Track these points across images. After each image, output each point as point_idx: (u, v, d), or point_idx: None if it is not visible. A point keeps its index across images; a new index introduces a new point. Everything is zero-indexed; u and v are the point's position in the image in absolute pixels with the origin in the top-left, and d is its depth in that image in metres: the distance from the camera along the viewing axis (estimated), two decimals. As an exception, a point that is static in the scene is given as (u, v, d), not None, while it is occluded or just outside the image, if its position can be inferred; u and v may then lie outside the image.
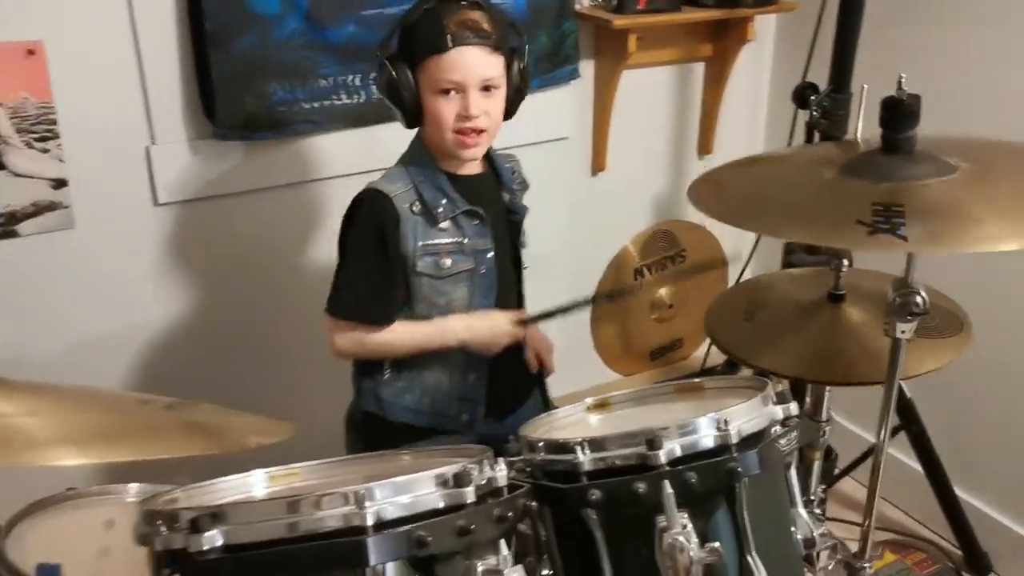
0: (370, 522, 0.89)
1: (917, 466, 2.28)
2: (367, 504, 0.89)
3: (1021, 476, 2.25)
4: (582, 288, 2.68)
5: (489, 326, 1.66)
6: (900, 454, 2.36)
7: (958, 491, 2.28)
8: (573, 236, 2.58)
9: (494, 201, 1.69)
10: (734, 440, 1.08)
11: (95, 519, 1.41)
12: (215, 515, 0.89)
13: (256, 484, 1.12)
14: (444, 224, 1.61)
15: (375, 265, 1.60)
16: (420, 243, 1.59)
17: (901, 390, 2.18)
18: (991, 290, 2.03)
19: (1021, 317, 2.16)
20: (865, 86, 1.43)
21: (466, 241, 1.62)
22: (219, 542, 0.89)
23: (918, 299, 1.29)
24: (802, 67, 2.18)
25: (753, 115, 2.76)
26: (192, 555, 0.89)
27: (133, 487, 1.46)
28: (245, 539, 0.89)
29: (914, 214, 1.14)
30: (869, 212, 1.13)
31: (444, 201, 1.60)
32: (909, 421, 2.22)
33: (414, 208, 1.59)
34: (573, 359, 2.58)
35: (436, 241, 1.61)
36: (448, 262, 1.62)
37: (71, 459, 0.70)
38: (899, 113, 1.23)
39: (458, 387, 1.70)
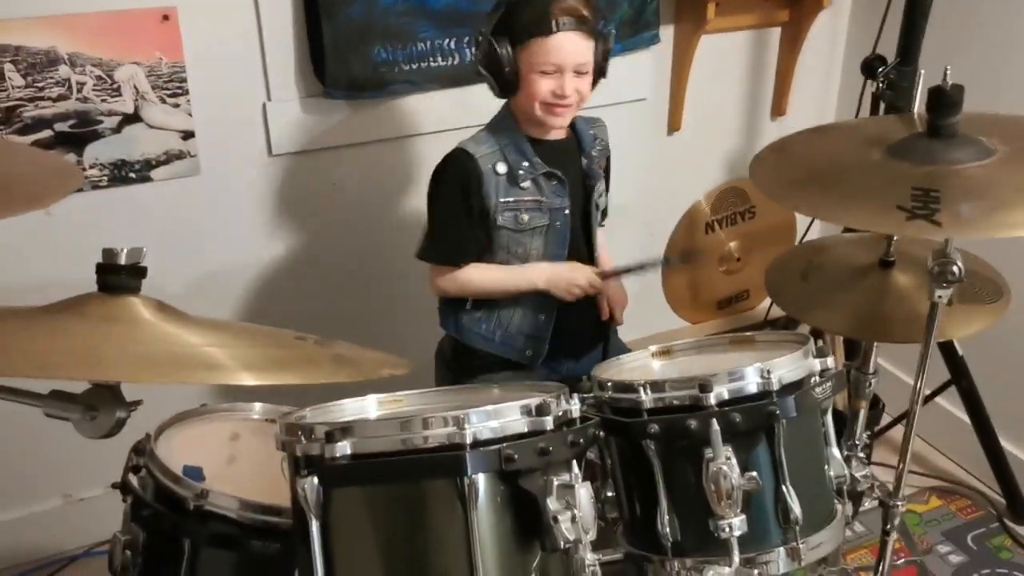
0: (468, 440, 1.08)
1: (966, 418, 2.40)
2: (466, 426, 1.08)
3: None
4: (656, 238, 2.84)
5: (568, 278, 1.84)
6: (951, 406, 2.49)
7: (1004, 443, 2.41)
8: (649, 190, 2.72)
9: (573, 164, 1.86)
10: (775, 387, 1.24)
11: (223, 432, 1.61)
12: (344, 429, 1.09)
13: (369, 407, 1.32)
14: (525, 184, 1.79)
15: (457, 216, 1.80)
16: (501, 200, 1.78)
17: (952, 347, 2.31)
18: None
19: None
20: (921, 71, 1.55)
21: (544, 199, 1.81)
22: (348, 451, 1.08)
23: (954, 268, 1.41)
24: (876, 32, 2.28)
25: (827, 79, 2.84)
26: (325, 460, 1.09)
27: (257, 406, 1.64)
28: (368, 449, 1.09)
29: (949, 200, 1.26)
30: (909, 197, 1.26)
31: (525, 164, 1.78)
32: (959, 376, 2.34)
33: (497, 169, 1.78)
34: (644, 306, 2.74)
35: (516, 198, 1.79)
36: (526, 217, 1.81)
37: (251, 381, 0.90)
38: (942, 102, 1.35)
39: (528, 325, 1.90)
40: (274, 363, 0.99)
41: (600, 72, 1.78)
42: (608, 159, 1.99)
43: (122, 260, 1.01)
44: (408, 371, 1.21)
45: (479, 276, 1.85)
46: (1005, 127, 1.47)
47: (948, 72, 1.36)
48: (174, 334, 0.99)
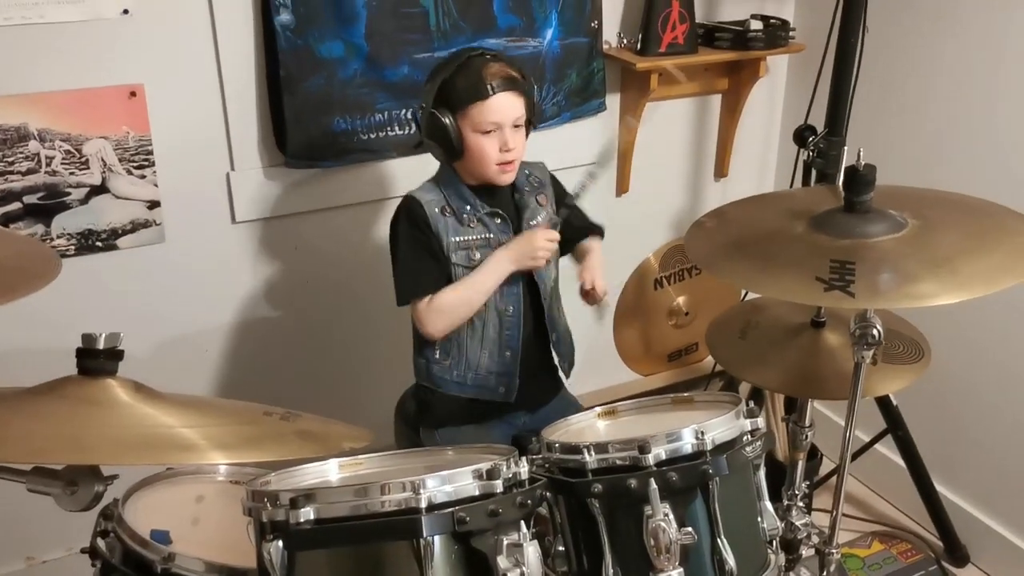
0: (423, 504, 1.16)
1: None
2: (422, 491, 1.16)
3: (997, 477, 2.47)
4: (609, 294, 2.94)
5: (530, 249, 1.91)
6: (891, 453, 2.60)
7: (941, 489, 2.52)
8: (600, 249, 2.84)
9: (510, 203, 1.98)
10: (709, 447, 1.34)
11: (189, 494, 1.65)
12: (308, 495, 1.17)
13: (331, 470, 1.39)
14: (472, 223, 1.91)
15: (417, 250, 1.90)
16: (453, 239, 1.90)
17: (888, 398, 2.43)
18: (960, 317, 2.27)
19: (988, 336, 2.40)
20: (845, 148, 1.68)
21: (492, 236, 1.92)
22: (311, 516, 1.16)
23: (874, 331, 1.53)
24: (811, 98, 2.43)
25: (766, 142, 2.99)
26: (290, 525, 1.16)
27: (221, 468, 1.67)
28: (331, 514, 1.17)
29: (863, 272, 1.38)
30: (827, 269, 1.38)
31: (468, 207, 1.91)
32: (895, 426, 2.45)
33: (444, 212, 1.90)
34: (596, 360, 2.85)
35: (466, 237, 1.91)
36: (478, 255, 1.92)
37: (223, 460, 0.98)
38: (856, 181, 1.48)
39: (495, 363, 1.99)
40: (244, 441, 1.07)
41: (530, 123, 1.93)
42: (555, 183, 2.09)
43: (100, 344, 1.09)
44: (368, 442, 1.28)
45: (451, 295, 1.91)
46: (918, 200, 1.60)
47: (861, 153, 1.49)
48: (150, 415, 1.06)
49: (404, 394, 2.14)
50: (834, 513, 1.76)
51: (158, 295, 2.27)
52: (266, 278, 2.41)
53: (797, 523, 1.89)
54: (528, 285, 1.99)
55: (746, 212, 1.78)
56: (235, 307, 2.40)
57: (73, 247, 2.15)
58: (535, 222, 1.99)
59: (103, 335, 1.09)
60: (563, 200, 2.05)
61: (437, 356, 1.99)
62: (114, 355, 1.09)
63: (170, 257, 2.26)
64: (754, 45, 2.58)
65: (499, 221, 1.94)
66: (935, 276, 1.38)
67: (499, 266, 1.92)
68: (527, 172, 2.04)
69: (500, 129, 1.84)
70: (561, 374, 2.16)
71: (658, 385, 3.05)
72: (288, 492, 1.19)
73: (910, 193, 1.64)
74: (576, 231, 2.10)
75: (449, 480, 1.20)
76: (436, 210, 1.90)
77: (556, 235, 1.94)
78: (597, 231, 2.16)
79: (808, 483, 2.00)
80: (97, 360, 1.08)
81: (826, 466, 2.68)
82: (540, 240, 1.92)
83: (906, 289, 1.37)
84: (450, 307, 1.92)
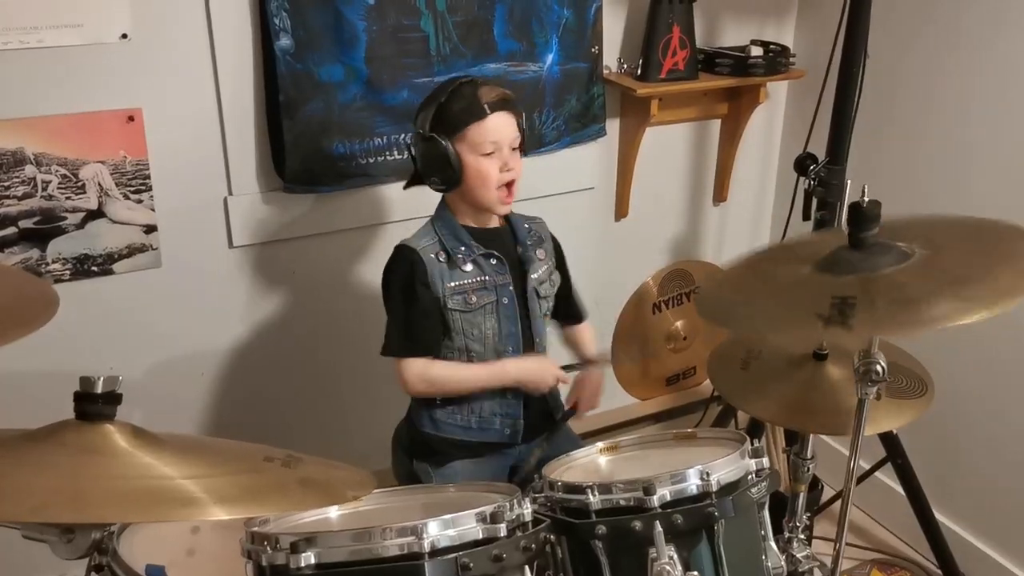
0: (426, 549, 1.15)
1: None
2: (424, 535, 1.15)
3: (995, 505, 2.47)
4: (607, 318, 2.93)
5: (538, 376, 1.93)
6: (890, 481, 2.59)
7: (940, 517, 2.50)
8: (599, 273, 2.82)
9: (508, 248, 1.96)
10: (714, 488, 1.33)
11: (184, 524, 1.63)
12: (308, 540, 1.16)
13: (330, 508, 1.39)
14: (467, 267, 1.88)
15: (410, 309, 1.87)
16: (448, 284, 1.87)
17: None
18: (963, 352, 2.28)
19: (988, 365, 2.40)
20: (848, 180, 1.66)
21: (487, 278, 1.90)
22: (312, 561, 1.15)
23: (878, 368, 1.52)
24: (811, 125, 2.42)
25: (765, 167, 2.99)
26: (290, 570, 1.15)
27: None
28: (331, 559, 1.16)
29: (865, 304, 1.35)
30: (828, 305, 1.36)
31: (463, 248, 1.88)
32: (895, 455, 2.44)
33: (439, 257, 1.88)
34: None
35: (461, 281, 1.88)
36: (474, 298, 1.89)
37: (224, 515, 0.96)
38: (861, 217, 1.46)
39: (499, 405, 1.97)
40: (245, 492, 1.05)
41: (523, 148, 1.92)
42: (558, 250, 2.08)
43: (99, 388, 1.07)
44: (372, 490, 1.26)
45: (448, 374, 1.91)
46: (925, 227, 1.58)
47: (866, 189, 1.48)
48: (150, 466, 1.04)
49: (401, 422, 2.12)
50: (837, 546, 1.74)
51: (154, 320, 2.26)
52: (263, 302, 2.39)
53: (798, 555, 1.87)
54: (523, 320, 1.98)
55: (751, 266, 1.75)
56: (232, 331, 2.38)
57: (69, 272, 2.12)
58: (536, 276, 1.98)
59: (101, 378, 1.07)
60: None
61: (439, 401, 1.97)
62: (112, 399, 1.07)
63: (167, 282, 2.24)
64: (754, 71, 2.57)
65: (495, 262, 1.91)
66: (939, 299, 1.33)
67: (503, 378, 1.92)
68: (527, 225, 2.02)
69: (499, 150, 1.83)
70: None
71: (656, 409, 3.03)
72: (288, 536, 1.17)
73: (917, 222, 1.61)
74: (570, 306, 2.14)
75: (452, 524, 1.19)
76: (432, 255, 1.87)
77: (567, 378, 1.97)
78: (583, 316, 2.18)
79: (808, 514, 1.98)
80: (95, 405, 1.06)
81: (825, 493, 2.66)
82: (551, 379, 1.95)
83: (904, 316, 1.34)
84: (439, 384, 1.92)
